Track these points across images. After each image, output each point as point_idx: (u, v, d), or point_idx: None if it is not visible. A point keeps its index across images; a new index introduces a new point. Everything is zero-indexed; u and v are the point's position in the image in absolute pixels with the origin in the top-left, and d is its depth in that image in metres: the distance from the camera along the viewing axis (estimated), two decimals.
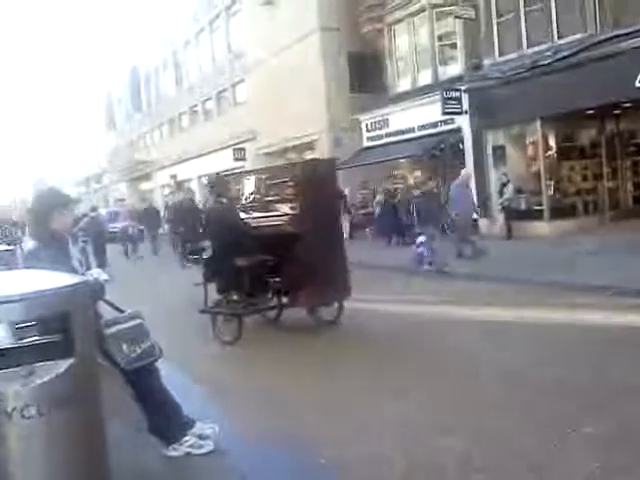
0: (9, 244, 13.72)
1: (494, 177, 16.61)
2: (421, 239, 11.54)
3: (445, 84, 17.49)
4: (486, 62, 16.48)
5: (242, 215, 7.64)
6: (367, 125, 21.00)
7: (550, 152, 15.96)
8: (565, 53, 14.00)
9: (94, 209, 15.83)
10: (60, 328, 2.52)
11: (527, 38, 15.45)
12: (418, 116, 18.41)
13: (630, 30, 12.48)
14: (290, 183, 7.41)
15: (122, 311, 3.68)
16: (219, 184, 7.89)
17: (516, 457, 3.57)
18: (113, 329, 3.48)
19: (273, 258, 7.13)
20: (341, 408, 4.66)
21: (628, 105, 14.51)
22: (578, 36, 13.98)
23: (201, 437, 3.75)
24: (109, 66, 44.36)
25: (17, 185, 61.73)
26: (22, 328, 2.48)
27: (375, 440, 3.97)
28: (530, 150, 16.32)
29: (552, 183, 15.80)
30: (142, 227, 22.29)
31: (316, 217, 7.15)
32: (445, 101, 16.72)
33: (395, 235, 16.93)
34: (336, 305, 7.48)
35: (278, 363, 6.15)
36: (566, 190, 16.18)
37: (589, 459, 3.43)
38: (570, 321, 6.89)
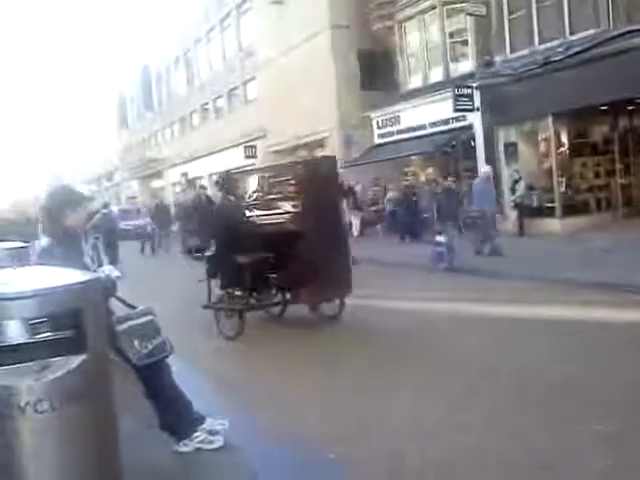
0: (24, 241, 13.81)
1: (506, 174, 16.53)
2: (441, 238, 11.35)
3: (456, 81, 17.41)
4: (498, 59, 16.39)
5: (247, 213, 7.74)
6: (378, 122, 20.96)
7: (562, 149, 15.85)
8: (577, 49, 13.90)
9: (106, 206, 15.97)
10: (72, 324, 2.55)
11: (539, 34, 15.35)
12: (429, 113, 18.35)
13: None
14: (292, 181, 7.52)
15: (134, 307, 3.71)
16: (227, 182, 7.97)
17: (527, 455, 3.56)
18: (125, 325, 3.51)
19: (275, 255, 7.21)
20: (343, 404, 4.66)
21: None
22: (591, 32, 13.86)
23: (211, 433, 3.78)
24: (121, 65, 44.58)
25: (31, 182, 62.14)
26: (35, 324, 2.52)
27: (383, 436, 3.98)
28: (542, 147, 16.23)
29: (564, 180, 15.69)
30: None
31: (318, 215, 7.24)
32: (457, 98, 16.65)
33: (409, 232, 16.77)
34: (337, 301, 7.56)
35: (279, 358, 6.24)
36: (578, 187, 16.07)
37: (600, 457, 3.41)
38: (583, 319, 6.85)
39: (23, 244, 8.26)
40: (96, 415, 2.58)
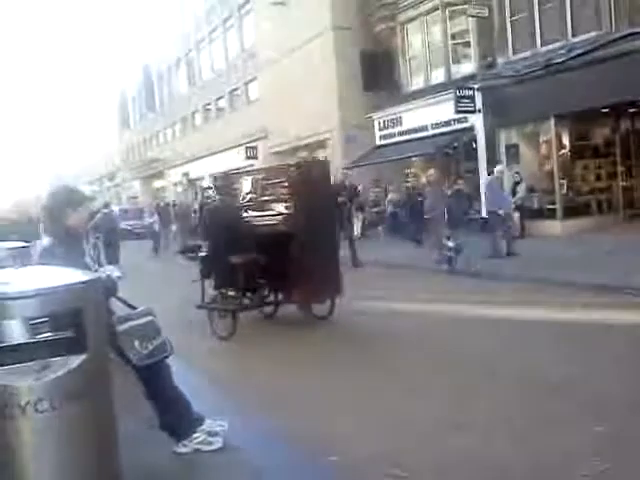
0: (25, 240, 13.83)
1: (507, 176, 16.51)
2: (451, 243, 11.14)
3: (458, 82, 17.42)
4: (500, 60, 16.40)
5: (241, 214, 7.87)
6: (380, 123, 20.96)
7: (563, 151, 15.85)
8: (579, 51, 13.90)
9: (106, 206, 16.09)
10: (73, 324, 2.55)
11: (541, 36, 15.35)
12: (431, 114, 18.35)
13: None
14: (285, 183, 7.65)
15: (134, 308, 3.71)
16: (222, 183, 8.15)
17: (527, 456, 3.55)
18: (125, 326, 3.51)
19: (267, 256, 7.32)
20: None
21: None
22: (593, 34, 13.86)
23: (210, 434, 3.77)
24: (123, 65, 44.65)
25: (33, 182, 62.21)
26: (35, 324, 2.52)
27: (379, 437, 3.98)
28: (543, 149, 16.23)
29: (565, 182, 15.70)
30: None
31: (309, 217, 7.36)
32: (458, 99, 16.66)
33: (412, 236, 16.60)
34: (329, 302, 7.65)
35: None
36: (579, 189, 16.07)
37: (600, 459, 3.40)
38: (584, 321, 6.85)
39: (24, 244, 8.27)
40: (96, 415, 2.58)
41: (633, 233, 12.97)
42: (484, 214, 13.99)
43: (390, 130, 20.48)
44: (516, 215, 15.56)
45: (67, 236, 3.78)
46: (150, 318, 3.66)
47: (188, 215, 22.04)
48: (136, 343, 3.50)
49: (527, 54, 15.56)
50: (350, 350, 6.37)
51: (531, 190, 15.86)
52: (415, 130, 19.22)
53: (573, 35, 14.50)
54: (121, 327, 3.48)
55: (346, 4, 21.56)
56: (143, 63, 40.95)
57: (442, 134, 18.20)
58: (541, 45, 15.30)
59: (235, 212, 7.82)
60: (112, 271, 3.92)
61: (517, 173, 15.99)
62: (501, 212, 12.30)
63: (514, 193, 15.70)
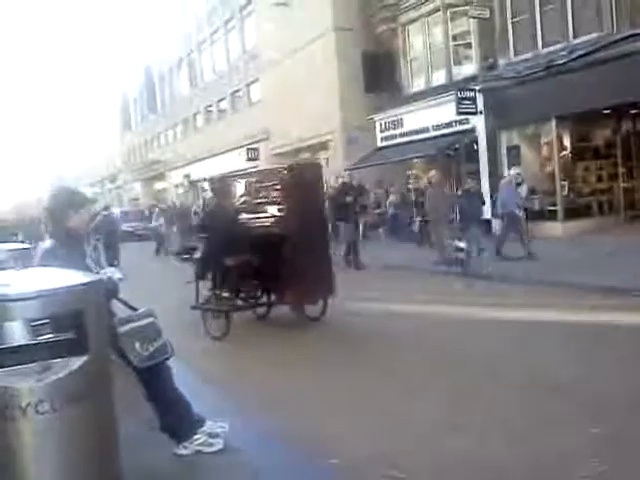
0: (26, 242, 13.90)
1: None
2: (462, 245, 10.95)
3: (460, 84, 17.42)
4: (501, 62, 16.40)
5: (237, 216, 7.99)
6: (381, 125, 20.97)
7: (565, 152, 15.85)
8: (581, 52, 13.89)
9: (107, 208, 16.24)
10: (74, 326, 2.56)
11: (542, 37, 15.35)
12: (432, 116, 18.35)
13: None
14: (278, 186, 7.77)
15: (135, 309, 3.72)
16: (217, 185, 8.36)
17: (525, 457, 3.55)
18: (126, 327, 3.52)
19: (260, 258, 7.44)
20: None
21: None
22: (594, 35, 13.86)
23: (211, 435, 3.78)
24: (124, 67, 44.69)
25: (34, 184, 62.29)
26: (37, 325, 2.53)
27: (376, 438, 3.98)
28: (545, 150, 16.22)
29: (566, 183, 15.69)
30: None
31: (302, 219, 7.48)
32: (460, 101, 16.66)
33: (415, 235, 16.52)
34: (321, 303, 7.74)
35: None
36: (581, 190, 16.06)
37: (598, 460, 3.40)
38: (586, 322, 6.84)
39: (26, 245, 8.29)
40: (97, 416, 2.59)
41: (634, 234, 12.95)
42: (488, 215, 13.95)
43: (391, 132, 20.48)
44: None
45: (68, 238, 3.78)
46: (151, 320, 3.67)
47: (187, 216, 22.14)
48: (137, 345, 3.50)
49: (528, 55, 15.56)
50: (344, 351, 6.42)
51: (532, 192, 15.84)
52: (416, 132, 19.22)
53: (574, 36, 14.50)
54: (122, 329, 3.49)
55: (347, 5, 21.58)
56: (145, 64, 41.00)
57: (443, 136, 18.20)
58: (542, 46, 15.30)
59: (229, 214, 7.96)
60: (113, 273, 3.92)
61: (518, 174, 15.98)
62: (519, 213, 12.26)
63: None
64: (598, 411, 4.14)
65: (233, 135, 29.05)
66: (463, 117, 17.18)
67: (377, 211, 20.48)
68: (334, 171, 20.91)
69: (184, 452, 3.71)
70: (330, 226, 17.30)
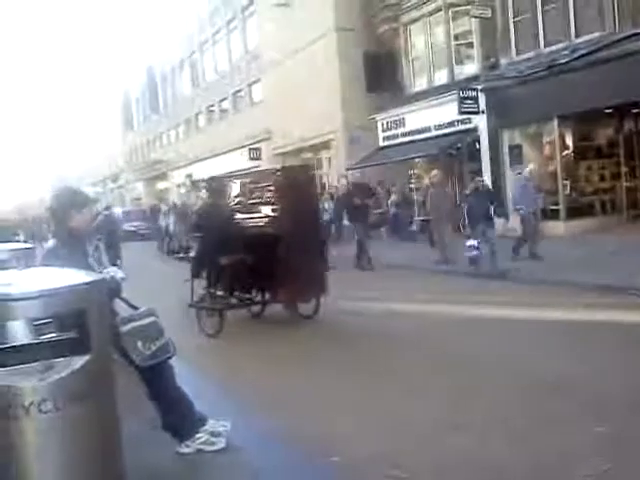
0: (28, 242, 13.94)
1: (510, 176, 16.51)
2: (473, 242, 10.84)
3: (462, 83, 17.40)
4: (503, 61, 16.38)
5: (232, 216, 8.15)
6: (383, 125, 20.95)
7: (567, 151, 15.83)
8: (583, 52, 13.87)
9: (108, 208, 16.38)
10: (76, 325, 2.57)
11: (544, 37, 15.33)
12: (434, 116, 18.34)
13: None
14: (271, 187, 7.98)
15: (137, 309, 3.73)
16: (212, 186, 8.52)
17: (526, 456, 3.56)
18: (128, 326, 3.53)
19: (254, 257, 7.58)
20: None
21: None
22: (596, 35, 13.84)
23: (213, 434, 3.79)
24: (127, 66, 44.72)
25: (36, 184, 62.43)
26: (39, 325, 2.54)
27: (377, 437, 3.99)
28: (547, 149, 16.19)
29: (569, 183, 15.68)
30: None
31: (295, 219, 7.63)
32: (462, 100, 16.65)
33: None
34: (314, 301, 7.86)
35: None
36: (583, 190, 16.04)
37: (601, 459, 3.40)
38: (587, 321, 6.84)
39: (28, 245, 8.31)
40: (99, 415, 2.60)
41: (636, 234, 12.93)
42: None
43: (393, 131, 20.47)
44: (517, 216, 15.53)
45: (70, 237, 3.80)
46: (153, 319, 3.68)
47: (188, 216, 22.18)
48: (139, 344, 3.51)
49: (530, 55, 15.54)
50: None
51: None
52: (418, 131, 19.20)
53: (576, 36, 14.48)
54: (124, 328, 3.50)
55: (349, 5, 21.57)
56: (147, 64, 41.01)
57: (445, 135, 18.19)
58: (544, 46, 15.27)
59: (224, 214, 8.09)
60: (115, 272, 3.93)
61: (519, 174, 15.98)
62: (536, 212, 12.17)
63: None
64: (599, 410, 4.14)
65: (235, 135, 29.05)
66: (465, 117, 17.16)
67: (378, 211, 20.47)
68: (337, 171, 20.91)
69: (186, 451, 3.72)
70: (334, 227, 17.48)
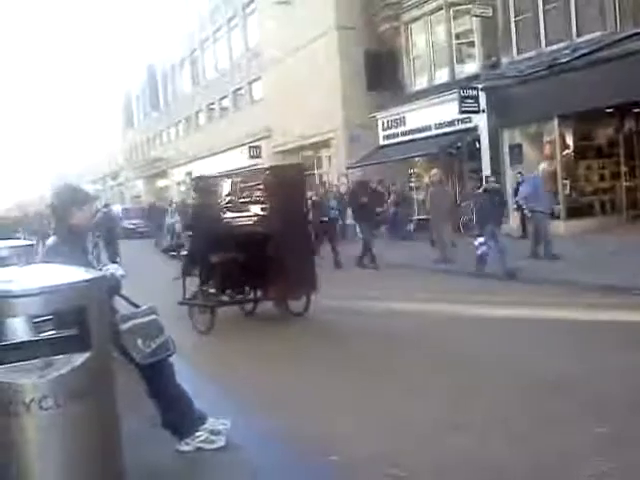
0: (28, 238, 13.96)
1: (510, 176, 16.50)
2: (481, 240, 10.69)
3: (462, 82, 17.40)
4: (504, 60, 16.37)
5: (221, 215, 8.27)
6: (383, 123, 20.95)
7: (567, 151, 15.83)
8: (584, 51, 13.87)
9: (106, 205, 16.45)
10: (76, 322, 2.56)
11: (545, 36, 15.33)
12: (435, 114, 18.33)
13: None
14: (261, 186, 8.09)
15: (137, 306, 3.72)
16: (203, 185, 8.65)
17: (526, 456, 3.55)
18: (128, 324, 3.52)
19: (245, 255, 7.68)
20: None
21: None
22: (597, 34, 13.84)
23: (213, 432, 3.78)
24: (127, 64, 44.69)
25: (36, 181, 62.43)
26: (39, 322, 2.53)
27: (377, 437, 3.99)
28: (547, 149, 16.19)
29: (568, 182, 15.69)
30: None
31: (285, 218, 7.72)
32: (462, 99, 16.65)
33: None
34: (304, 299, 7.95)
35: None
36: (583, 189, 16.05)
37: (601, 459, 3.40)
38: (588, 321, 6.84)
39: (28, 242, 8.31)
40: (99, 413, 2.59)
41: (636, 234, 12.93)
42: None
43: (394, 130, 20.47)
44: (517, 216, 15.53)
45: (71, 234, 3.79)
46: (153, 317, 3.67)
47: (185, 214, 22.22)
48: (139, 341, 3.51)
49: (531, 54, 15.54)
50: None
51: None
52: (419, 130, 19.20)
53: (577, 35, 14.48)
54: (124, 325, 3.50)
55: (350, 4, 21.55)
56: (147, 62, 40.99)
57: (445, 134, 18.19)
58: (545, 45, 15.27)
59: (215, 213, 8.17)
60: (115, 269, 3.93)
61: (520, 173, 15.98)
62: (548, 211, 12.13)
63: (517, 193, 15.67)
64: (600, 410, 4.14)
65: (235, 133, 29.04)
66: (465, 115, 17.16)
67: (379, 209, 20.46)
68: (337, 169, 20.90)
69: (186, 449, 3.72)
70: (337, 226, 17.47)
